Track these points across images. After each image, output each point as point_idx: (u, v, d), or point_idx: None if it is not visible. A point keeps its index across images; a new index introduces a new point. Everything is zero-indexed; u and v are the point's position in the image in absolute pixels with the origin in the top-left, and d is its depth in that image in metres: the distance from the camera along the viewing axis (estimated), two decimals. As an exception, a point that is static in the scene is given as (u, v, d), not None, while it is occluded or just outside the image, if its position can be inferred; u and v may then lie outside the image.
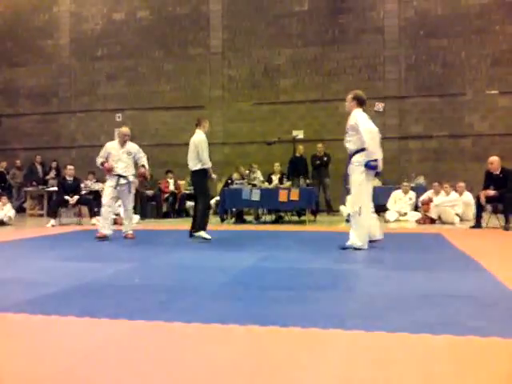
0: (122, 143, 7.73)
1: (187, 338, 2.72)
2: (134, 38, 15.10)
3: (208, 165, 7.23)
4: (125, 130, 7.88)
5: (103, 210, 7.57)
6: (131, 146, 7.79)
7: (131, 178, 7.74)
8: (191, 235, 7.33)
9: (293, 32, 14.10)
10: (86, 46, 15.47)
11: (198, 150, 7.19)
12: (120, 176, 7.61)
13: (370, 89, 13.57)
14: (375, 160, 6.02)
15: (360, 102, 6.22)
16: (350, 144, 6.16)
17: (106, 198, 7.62)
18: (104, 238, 7.37)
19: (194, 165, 7.30)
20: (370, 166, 6.03)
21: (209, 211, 7.64)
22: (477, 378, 2.16)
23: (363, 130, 5.98)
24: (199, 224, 7.21)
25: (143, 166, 7.75)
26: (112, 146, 7.74)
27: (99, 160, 7.65)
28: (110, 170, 7.53)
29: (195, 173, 7.37)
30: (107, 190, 7.69)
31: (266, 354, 2.46)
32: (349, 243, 6.00)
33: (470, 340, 2.61)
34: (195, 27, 14.71)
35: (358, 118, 6.06)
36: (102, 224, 7.54)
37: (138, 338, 2.73)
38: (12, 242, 7.49)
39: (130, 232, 7.78)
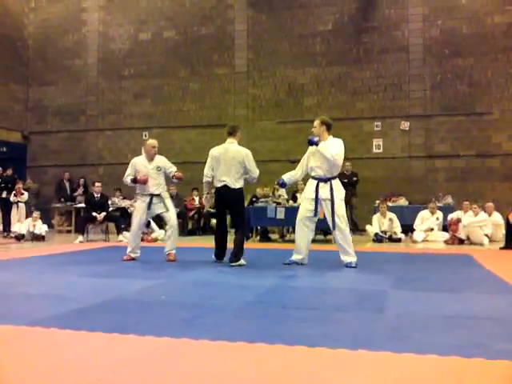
0: (151, 157, 7.01)
1: (213, 356, 2.71)
2: (160, 57, 15.36)
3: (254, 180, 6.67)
4: (152, 141, 7.09)
5: (133, 233, 7.04)
6: (159, 160, 7.06)
7: (165, 195, 7.07)
8: (219, 260, 6.71)
9: (317, 51, 14.18)
10: (113, 65, 15.78)
11: (246, 164, 6.44)
12: (153, 195, 6.93)
13: (395, 108, 13.57)
14: None
15: (328, 128, 6.39)
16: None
17: (136, 221, 6.98)
18: (131, 260, 6.94)
19: (235, 181, 6.43)
20: None
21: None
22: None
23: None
24: (238, 253, 6.39)
25: (176, 172, 7.05)
26: (140, 162, 7.03)
27: (128, 178, 6.98)
28: (145, 182, 6.80)
29: (237, 192, 6.48)
30: (139, 211, 7.00)
31: (291, 373, 2.44)
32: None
33: (500, 364, 2.55)
34: (220, 47, 14.90)
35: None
36: (131, 247, 6.99)
37: (165, 355, 2.73)
38: (40, 257, 7.61)
39: (173, 252, 6.94)
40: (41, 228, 10.78)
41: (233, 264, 6.32)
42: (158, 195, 6.96)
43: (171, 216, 6.99)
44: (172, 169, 7.08)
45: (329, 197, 6.17)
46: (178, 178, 7.09)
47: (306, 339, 2.94)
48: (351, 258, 6.22)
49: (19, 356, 2.72)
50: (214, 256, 6.75)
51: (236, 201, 6.54)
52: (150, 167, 6.96)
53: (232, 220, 6.98)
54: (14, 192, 11.89)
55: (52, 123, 16.35)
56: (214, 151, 6.57)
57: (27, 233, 10.61)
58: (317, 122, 6.42)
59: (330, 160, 6.10)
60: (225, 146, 6.56)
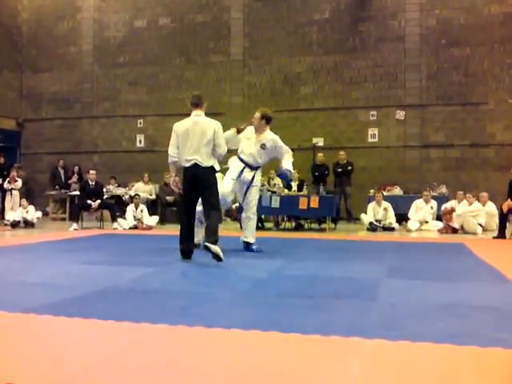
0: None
1: (208, 343, 2.73)
2: (155, 45, 15.26)
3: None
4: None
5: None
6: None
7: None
8: (188, 258, 5.75)
9: (313, 40, 14.12)
10: (108, 52, 15.67)
11: (217, 140, 5.57)
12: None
13: (391, 97, 13.55)
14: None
15: (268, 121, 6.72)
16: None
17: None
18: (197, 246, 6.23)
19: (207, 159, 5.55)
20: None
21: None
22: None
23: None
24: (216, 232, 5.46)
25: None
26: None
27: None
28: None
29: (208, 171, 5.58)
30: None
31: (286, 360, 2.46)
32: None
33: (492, 351, 2.58)
34: (216, 35, 14.81)
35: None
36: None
37: (161, 342, 2.75)
38: (35, 244, 7.60)
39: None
40: (33, 215, 10.81)
41: (208, 245, 5.32)
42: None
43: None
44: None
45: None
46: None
47: (300, 327, 2.96)
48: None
49: (14, 343, 2.73)
50: (180, 252, 5.78)
51: (209, 180, 5.58)
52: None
53: (205, 203, 5.69)
54: (7, 179, 11.84)
55: (47, 110, 16.25)
56: (180, 126, 5.75)
57: (21, 219, 10.64)
58: (257, 115, 6.61)
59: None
60: (192, 119, 5.71)
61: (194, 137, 5.56)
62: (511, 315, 3.37)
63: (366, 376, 2.27)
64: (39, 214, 11.04)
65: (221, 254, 5.30)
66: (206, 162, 5.54)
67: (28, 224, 10.66)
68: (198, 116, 5.72)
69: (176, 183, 5.94)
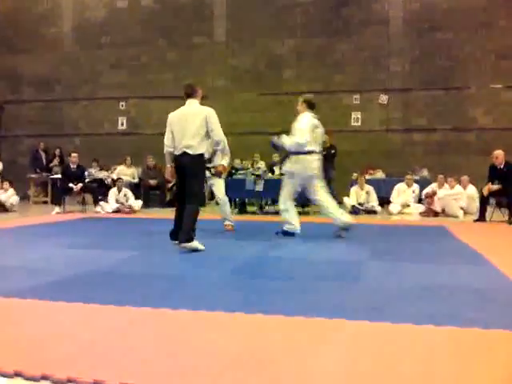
0: None
1: (192, 325, 2.74)
2: (137, 26, 15.02)
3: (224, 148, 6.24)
4: None
5: (225, 201, 7.24)
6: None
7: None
8: (175, 240, 5.58)
9: (297, 23, 14.02)
10: (89, 33, 15.40)
11: (210, 125, 5.46)
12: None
13: (374, 81, 13.56)
14: None
15: (310, 106, 6.66)
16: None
17: (222, 190, 7.24)
18: (233, 230, 7.17)
19: (197, 146, 5.42)
20: None
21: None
22: (477, 368, 2.19)
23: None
24: (188, 231, 5.30)
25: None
26: None
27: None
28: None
29: (195, 159, 5.43)
30: (222, 182, 7.32)
31: (269, 342, 2.49)
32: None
33: (471, 332, 2.64)
34: (199, 16, 14.63)
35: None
36: (226, 217, 7.24)
37: (143, 325, 2.76)
38: (16, 228, 7.52)
39: (229, 223, 7.25)
40: (8, 198, 10.54)
41: (183, 245, 5.26)
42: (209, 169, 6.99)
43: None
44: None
45: None
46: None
47: (284, 309, 2.99)
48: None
49: (-3, 326, 2.71)
50: (170, 235, 5.74)
51: (192, 169, 5.43)
52: None
53: (185, 194, 5.51)
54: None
55: (26, 92, 15.96)
56: (171, 115, 5.68)
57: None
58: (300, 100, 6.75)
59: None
60: (183, 108, 5.65)
61: (183, 125, 5.48)
62: (491, 296, 3.43)
63: (349, 356, 2.31)
64: (16, 198, 10.73)
65: (199, 247, 5.31)
66: (195, 150, 5.41)
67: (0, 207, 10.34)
68: (189, 105, 5.65)
69: (170, 173, 5.83)
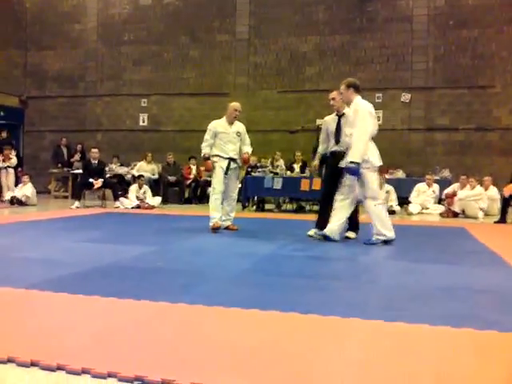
0: (231, 121, 6.73)
1: (209, 321, 2.75)
2: (160, 23, 15.13)
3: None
4: (235, 104, 6.78)
5: (215, 198, 6.63)
6: (239, 126, 6.82)
7: (239, 163, 6.90)
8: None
9: (320, 20, 13.97)
10: (112, 30, 15.56)
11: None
12: (231, 159, 6.70)
13: (397, 79, 13.45)
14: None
15: (357, 89, 5.92)
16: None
17: (219, 185, 6.64)
18: (218, 229, 6.58)
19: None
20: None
21: None
22: (494, 371, 2.16)
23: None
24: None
25: (247, 152, 6.81)
26: (220, 124, 6.72)
27: (206, 149, 6.68)
28: (209, 170, 6.87)
29: None
30: (219, 176, 6.66)
31: (285, 339, 2.48)
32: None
33: (489, 334, 2.60)
34: (222, 13, 14.67)
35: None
36: (213, 214, 6.59)
37: (161, 319, 2.77)
38: (37, 222, 7.64)
39: (232, 224, 6.90)
40: (24, 193, 10.65)
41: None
42: (235, 160, 6.77)
43: (236, 187, 7.06)
44: (247, 147, 6.82)
45: None
46: (245, 161, 6.96)
47: (300, 306, 2.98)
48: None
49: (16, 318, 2.76)
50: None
51: None
52: (231, 130, 6.71)
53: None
54: (2, 157, 11.81)
55: (51, 88, 16.21)
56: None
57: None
58: (342, 87, 5.98)
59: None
60: None
61: None
62: (509, 299, 3.38)
63: (364, 356, 2.29)
64: (31, 191, 10.78)
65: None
66: None
67: (18, 201, 10.47)
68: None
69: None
